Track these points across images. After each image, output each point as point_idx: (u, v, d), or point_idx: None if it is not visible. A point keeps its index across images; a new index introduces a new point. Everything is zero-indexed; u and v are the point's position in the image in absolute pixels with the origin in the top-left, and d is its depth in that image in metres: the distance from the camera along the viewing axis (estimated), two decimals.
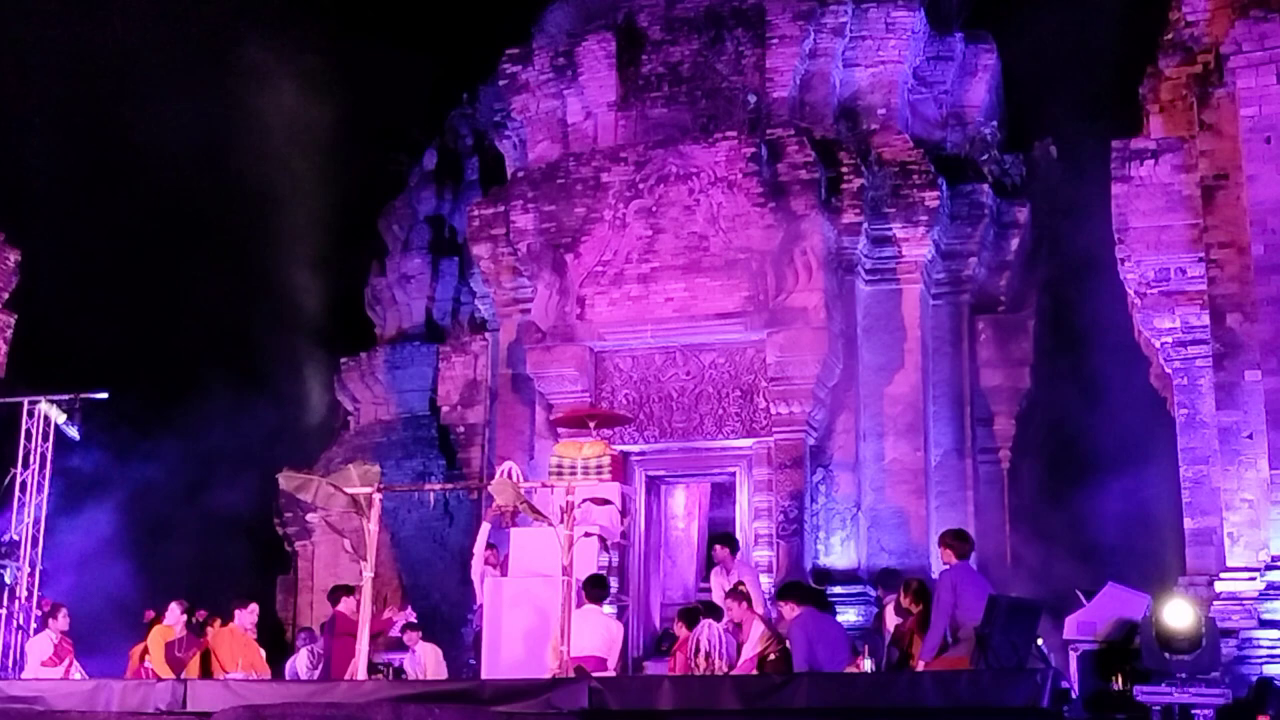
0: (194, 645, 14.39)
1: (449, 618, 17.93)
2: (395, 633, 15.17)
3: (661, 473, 18.85)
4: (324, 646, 14.80)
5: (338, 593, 14.52)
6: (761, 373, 17.94)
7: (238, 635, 13.96)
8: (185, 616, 14.73)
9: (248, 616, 14.15)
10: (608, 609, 13.66)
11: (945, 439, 19.00)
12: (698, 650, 12.69)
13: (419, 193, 25.22)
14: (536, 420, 19.44)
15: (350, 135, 28.81)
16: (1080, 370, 18.88)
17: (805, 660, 12.10)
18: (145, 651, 14.65)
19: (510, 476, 12.49)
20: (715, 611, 13.48)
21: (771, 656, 13.00)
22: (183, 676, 13.36)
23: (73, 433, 17.69)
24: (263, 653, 14.53)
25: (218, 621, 14.62)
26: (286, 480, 12.83)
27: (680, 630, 13.65)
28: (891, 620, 13.67)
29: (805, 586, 13.24)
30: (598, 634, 12.50)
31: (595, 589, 12.72)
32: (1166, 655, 10.79)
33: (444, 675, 14.59)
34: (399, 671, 14.71)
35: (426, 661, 14.73)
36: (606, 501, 12.32)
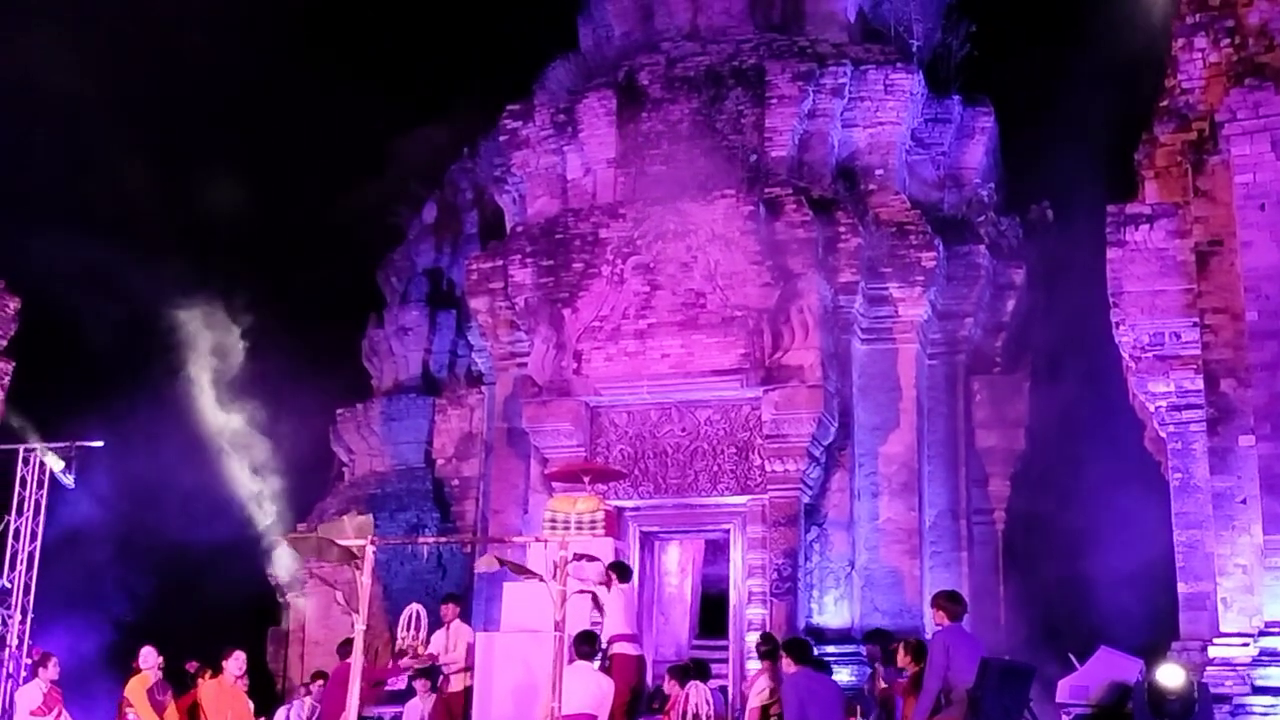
0: (167, 688, 14.32)
1: (438, 671, 17.80)
2: (398, 685, 15.15)
3: (655, 528, 18.82)
4: (318, 697, 14.76)
5: (348, 646, 14.48)
6: (757, 430, 17.96)
7: (225, 687, 13.90)
8: (160, 659, 14.60)
9: (234, 665, 14.07)
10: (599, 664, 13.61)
11: (940, 499, 19.01)
12: (685, 714, 12.63)
13: (418, 245, 25.33)
14: (531, 474, 19.44)
15: (350, 187, 28.96)
16: (1075, 433, 18.90)
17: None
18: (127, 702, 14.52)
19: (414, 621, 12.35)
20: (704, 671, 13.43)
21: (773, 716, 12.94)
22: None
23: (68, 480, 17.68)
24: (250, 705, 14.46)
25: (208, 673, 14.55)
26: (294, 544, 12.84)
27: (671, 688, 13.58)
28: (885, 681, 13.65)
29: (808, 647, 13.16)
30: (589, 690, 12.43)
31: (585, 645, 12.65)
32: None
33: None
34: None
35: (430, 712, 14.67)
36: (593, 559, 12.29)
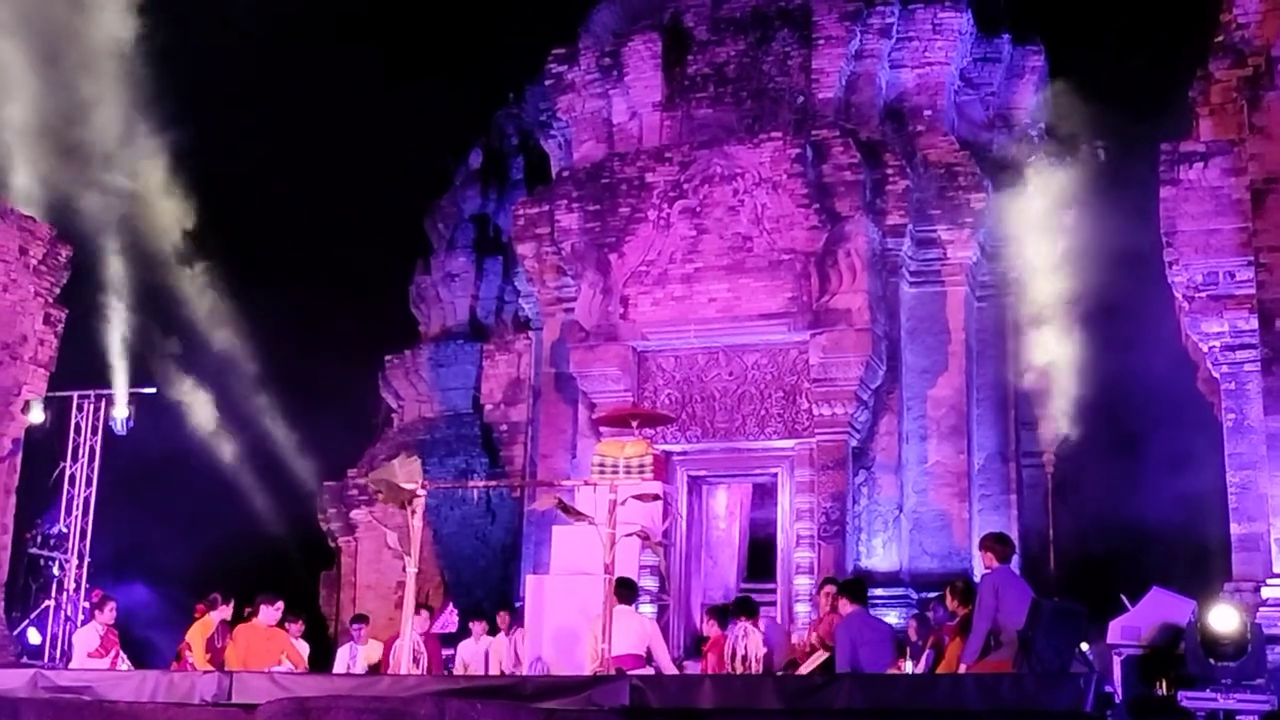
0: (227, 633, 14.45)
1: (491, 615, 17.98)
2: (441, 629, 15.26)
3: (703, 473, 18.86)
4: (361, 639, 14.95)
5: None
6: (804, 374, 17.92)
7: (259, 631, 13.88)
8: (226, 609, 14.68)
9: (264, 614, 14.03)
10: (647, 609, 13.64)
11: (989, 442, 18.93)
12: (734, 655, 12.65)
13: (464, 191, 25.33)
14: (579, 419, 19.49)
15: (397, 134, 28.95)
16: (1127, 374, 18.73)
17: (848, 661, 12.06)
18: (187, 645, 14.66)
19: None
20: (750, 610, 13.43)
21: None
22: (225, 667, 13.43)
23: (121, 428, 17.91)
24: (302, 649, 14.45)
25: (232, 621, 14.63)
26: (375, 479, 12.93)
27: (710, 629, 13.58)
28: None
29: (864, 588, 13.10)
30: (634, 632, 12.48)
31: (624, 590, 12.59)
32: (1211, 661, 10.71)
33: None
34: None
35: (492, 653, 14.78)
36: (655, 497, 12.28)
